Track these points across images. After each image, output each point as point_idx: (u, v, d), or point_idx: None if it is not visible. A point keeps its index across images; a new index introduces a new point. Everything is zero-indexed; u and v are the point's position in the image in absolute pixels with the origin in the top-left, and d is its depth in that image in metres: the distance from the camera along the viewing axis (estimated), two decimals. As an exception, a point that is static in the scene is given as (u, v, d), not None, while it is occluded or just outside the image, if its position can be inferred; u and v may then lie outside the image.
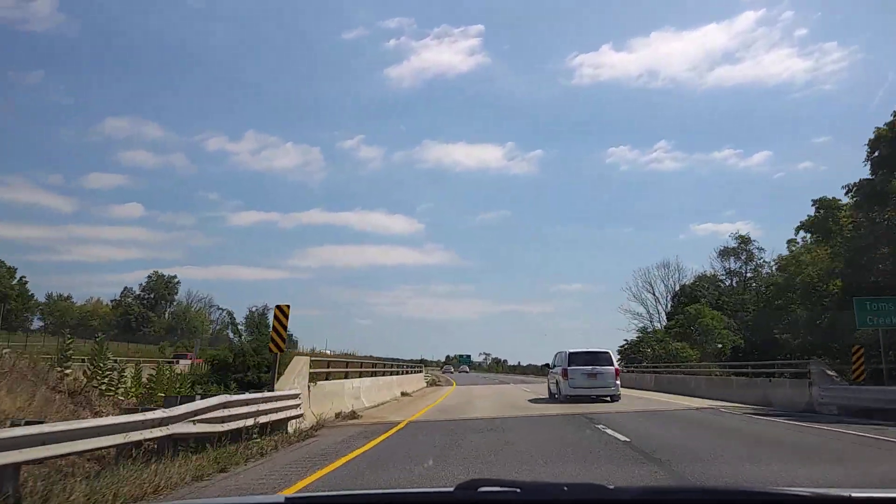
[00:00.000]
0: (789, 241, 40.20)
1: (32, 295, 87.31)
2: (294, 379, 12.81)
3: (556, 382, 22.07)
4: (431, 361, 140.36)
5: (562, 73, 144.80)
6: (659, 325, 56.58)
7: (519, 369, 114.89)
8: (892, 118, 24.01)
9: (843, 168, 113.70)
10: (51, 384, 9.71)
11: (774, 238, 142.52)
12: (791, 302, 31.86)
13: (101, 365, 10.61)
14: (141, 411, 7.59)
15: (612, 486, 2.02)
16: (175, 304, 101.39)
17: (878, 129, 24.33)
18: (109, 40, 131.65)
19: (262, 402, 10.22)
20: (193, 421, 8.04)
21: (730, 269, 57.11)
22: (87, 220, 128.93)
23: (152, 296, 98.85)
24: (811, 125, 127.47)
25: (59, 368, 10.50)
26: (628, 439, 10.68)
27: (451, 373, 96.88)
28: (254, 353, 17.95)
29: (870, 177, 24.44)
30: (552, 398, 22.62)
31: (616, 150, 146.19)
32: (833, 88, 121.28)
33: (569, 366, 20.91)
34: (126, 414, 7.57)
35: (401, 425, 13.57)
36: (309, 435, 11.41)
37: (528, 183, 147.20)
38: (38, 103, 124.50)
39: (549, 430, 12.62)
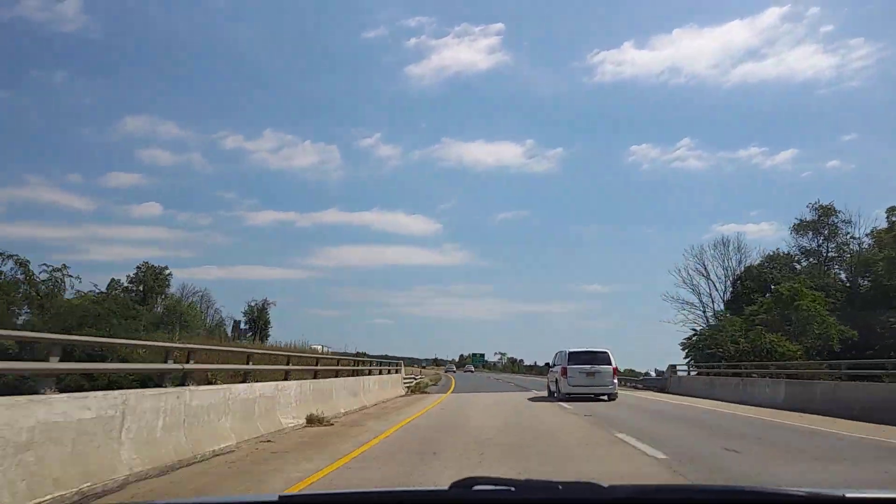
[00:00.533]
0: (890, 210, 30.90)
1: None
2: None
3: (556, 381, 22.34)
4: (446, 361, 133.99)
5: (583, 70, 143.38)
6: (712, 316, 45.90)
7: (536, 370, 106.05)
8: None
9: (872, 166, 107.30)
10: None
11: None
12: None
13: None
14: None
15: (606, 485, 1.95)
16: (166, 297, 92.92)
17: None
18: (130, 39, 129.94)
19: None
20: None
21: (806, 247, 46.13)
22: (106, 220, 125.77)
23: (141, 288, 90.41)
24: (838, 123, 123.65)
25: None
26: None
27: (454, 372, 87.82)
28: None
29: None
30: (552, 396, 22.87)
31: (638, 148, 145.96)
32: (860, 85, 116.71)
33: (568, 364, 21.26)
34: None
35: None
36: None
37: (548, 181, 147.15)
38: (60, 103, 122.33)
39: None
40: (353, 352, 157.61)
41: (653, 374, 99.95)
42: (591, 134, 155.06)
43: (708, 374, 26.62)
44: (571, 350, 21.82)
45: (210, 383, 12.07)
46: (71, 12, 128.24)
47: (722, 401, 20.17)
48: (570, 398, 20.61)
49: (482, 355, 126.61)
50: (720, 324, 36.55)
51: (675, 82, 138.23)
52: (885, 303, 29.81)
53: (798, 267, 44.96)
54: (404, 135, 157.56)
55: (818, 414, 14.78)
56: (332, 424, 12.19)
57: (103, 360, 17.31)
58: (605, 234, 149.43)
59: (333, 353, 67.34)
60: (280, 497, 2.02)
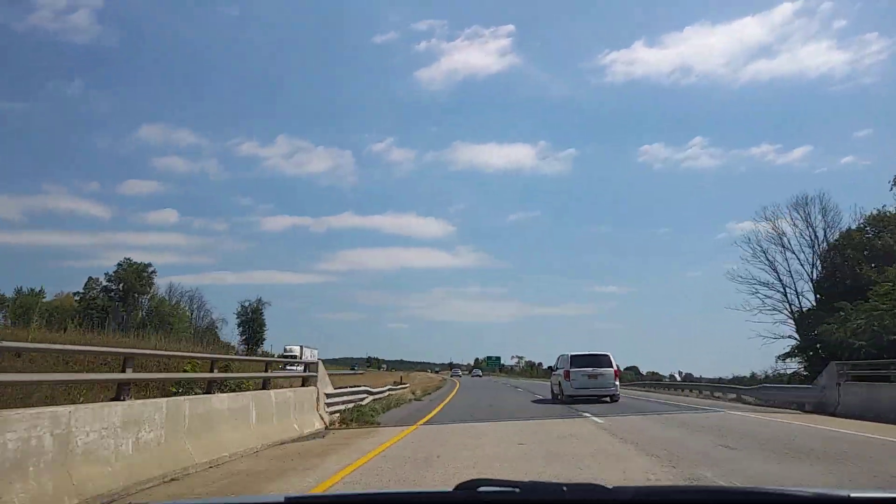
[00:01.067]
0: None
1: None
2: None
3: (559, 383, 22.79)
4: (461, 365, 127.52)
5: (593, 70, 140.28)
6: (796, 297, 37.53)
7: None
8: None
9: (888, 162, 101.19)
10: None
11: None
12: None
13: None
14: None
15: (610, 487, 1.94)
16: (149, 296, 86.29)
17: None
18: (143, 48, 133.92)
19: None
20: None
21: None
22: (124, 227, 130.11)
23: (121, 287, 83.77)
24: (852, 119, 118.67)
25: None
26: None
27: (459, 377, 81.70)
28: None
29: None
30: (555, 399, 23.31)
31: (650, 147, 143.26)
32: (874, 81, 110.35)
33: (571, 367, 21.75)
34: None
35: None
36: None
37: (561, 182, 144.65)
38: (76, 112, 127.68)
39: None
40: (366, 356, 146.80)
41: (677, 377, 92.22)
42: (603, 134, 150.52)
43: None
44: (574, 353, 22.28)
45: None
46: (84, 22, 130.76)
47: None
48: (574, 400, 21.12)
49: (498, 358, 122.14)
50: (845, 312, 25.34)
51: (687, 81, 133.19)
52: None
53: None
54: (416, 138, 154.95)
55: None
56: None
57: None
58: (618, 235, 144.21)
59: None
60: (286, 498, 2.02)
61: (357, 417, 14.27)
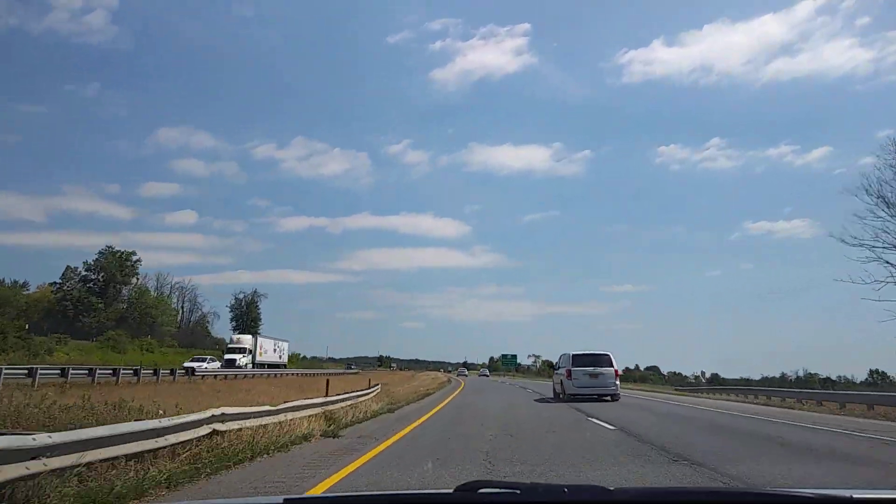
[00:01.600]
0: None
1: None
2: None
3: (561, 382, 23.07)
4: (477, 364, 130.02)
5: (611, 70, 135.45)
6: None
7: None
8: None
9: None
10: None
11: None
12: None
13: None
14: None
15: (612, 488, 1.94)
16: (132, 287, 79.60)
17: None
18: (159, 50, 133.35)
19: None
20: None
21: None
22: (144, 228, 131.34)
23: (101, 277, 76.98)
24: (874, 118, 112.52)
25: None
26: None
27: (465, 376, 75.85)
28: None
29: None
30: (556, 397, 23.50)
31: (666, 148, 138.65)
32: None
33: (572, 367, 22.07)
34: None
35: None
36: None
37: (576, 184, 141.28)
38: (95, 115, 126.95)
39: None
40: (378, 355, 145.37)
41: (703, 378, 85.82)
42: (620, 135, 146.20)
43: None
44: (575, 353, 22.73)
45: None
46: (99, 23, 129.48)
47: None
48: (575, 399, 21.43)
49: (514, 357, 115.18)
50: None
51: (706, 81, 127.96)
52: None
53: None
54: (432, 140, 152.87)
55: None
56: None
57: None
58: (634, 235, 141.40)
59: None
60: (285, 500, 2.01)
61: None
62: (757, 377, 76.72)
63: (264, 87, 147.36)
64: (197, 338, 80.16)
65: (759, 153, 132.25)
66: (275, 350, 63.71)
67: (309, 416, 11.35)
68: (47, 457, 5.00)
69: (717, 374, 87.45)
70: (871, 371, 65.93)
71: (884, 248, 26.78)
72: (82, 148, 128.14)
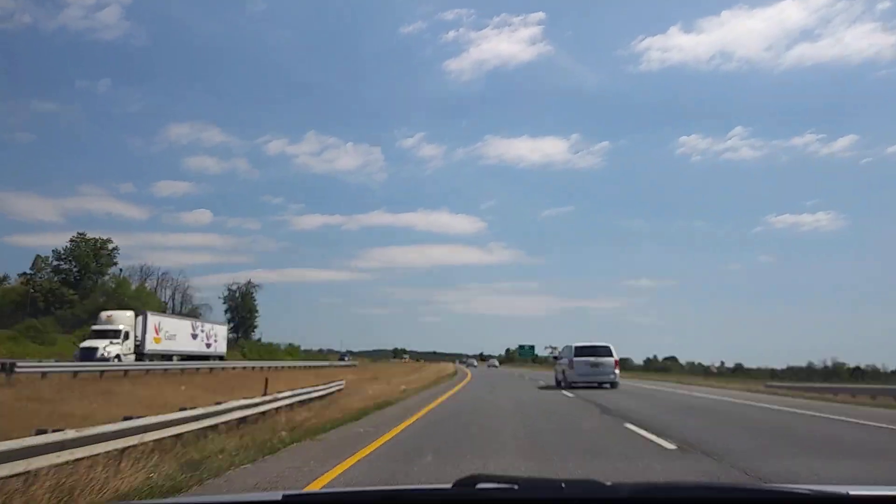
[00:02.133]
0: None
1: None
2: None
3: (563, 371, 24.69)
4: (493, 356, 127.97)
5: (628, 58, 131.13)
6: None
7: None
8: None
9: None
10: None
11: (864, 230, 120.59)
12: None
13: None
14: None
15: (608, 483, 1.94)
16: (109, 278, 71.83)
17: None
18: (171, 46, 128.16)
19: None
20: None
21: None
22: (161, 228, 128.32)
23: (75, 268, 69.26)
24: None
25: None
26: None
27: (474, 367, 68.79)
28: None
29: None
30: (559, 385, 24.84)
31: (687, 139, 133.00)
32: None
33: (574, 357, 23.61)
34: None
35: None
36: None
37: (594, 177, 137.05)
38: (106, 112, 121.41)
39: None
40: (393, 348, 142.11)
41: (725, 368, 78.70)
42: (638, 126, 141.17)
43: None
44: (577, 344, 24.11)
45: None
46: (112, 19, 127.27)
47: None
48: (575, 386, 23.04)
49: (532, 348, 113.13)
50: None
51: (726, 68, 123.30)
52: None
53: None
54: (447, 134, 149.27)
55: None
56: None
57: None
58: (653, 228, 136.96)
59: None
60: (284, 496, 2.00)
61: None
62: (782, 367, 69.46)
63: (274, 80, 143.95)
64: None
65: (784, 143, 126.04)
66: (195, 336, 46.92)
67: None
68: None
69: (740, 363, 79.95)
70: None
71: None
72: (95, 145, 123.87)
